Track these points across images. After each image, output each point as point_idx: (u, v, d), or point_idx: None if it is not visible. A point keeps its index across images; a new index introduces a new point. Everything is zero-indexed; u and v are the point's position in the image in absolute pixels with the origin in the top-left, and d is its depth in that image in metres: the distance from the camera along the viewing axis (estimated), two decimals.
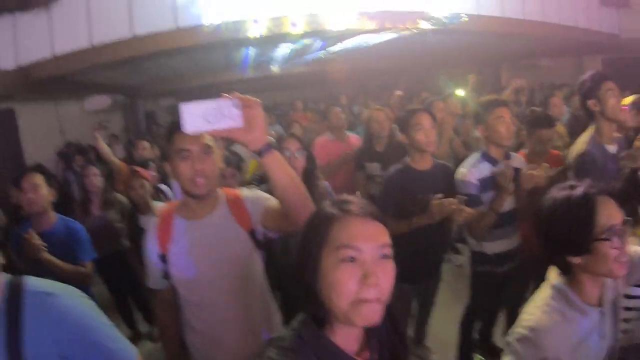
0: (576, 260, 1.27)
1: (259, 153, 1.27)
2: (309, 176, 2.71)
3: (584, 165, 2.42)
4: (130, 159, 4.67)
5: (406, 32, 6.58)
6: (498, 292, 2.77)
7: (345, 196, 1.01)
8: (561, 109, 4.28)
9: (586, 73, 2.57)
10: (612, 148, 2.53)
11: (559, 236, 1.29)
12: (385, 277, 0.90)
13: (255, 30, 5.07)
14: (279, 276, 2.60)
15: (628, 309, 1.48)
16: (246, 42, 5.73)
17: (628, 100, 3.12)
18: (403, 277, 0.99)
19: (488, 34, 7.14)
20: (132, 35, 4.81)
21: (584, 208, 1.24)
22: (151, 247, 1.70)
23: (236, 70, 9.50)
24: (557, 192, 1.33)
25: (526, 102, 4.91)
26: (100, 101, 8.73)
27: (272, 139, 1.40)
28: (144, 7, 4.83)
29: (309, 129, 5.68)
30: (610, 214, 1.24)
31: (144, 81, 9.29)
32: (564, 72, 9.17)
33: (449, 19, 6.31)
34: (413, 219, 2.40)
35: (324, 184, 2.89)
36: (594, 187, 1.27)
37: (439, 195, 2.31)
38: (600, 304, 1.33)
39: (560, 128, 3.93)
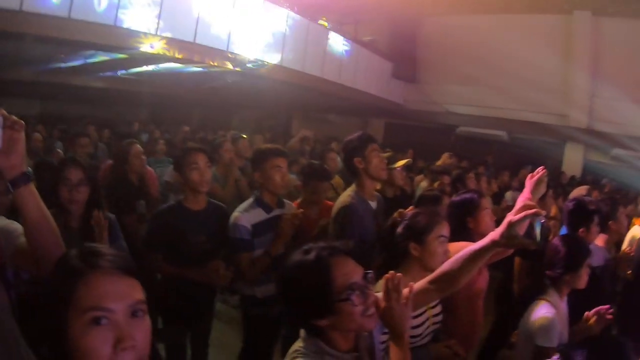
0: (322, 322, 1.25)
1: (13, 182, 1.16)
2: (91, 208, 2.20)
3: (346, 218, 2.56)
4: None
5: (211, 68, 6.62)
6: (272, 335, 2.75)
7: (95, 246, 0.93)
8: (337, 162, 4.64)
9: (355, 133, 2.76)
10: (373, 204, 2.76)
11: (299, 302, 1.28)
12: (141, 336, 0.85)
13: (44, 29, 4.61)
14: None
15: None
16: (40, 39, 5.20)
17: (401, 162, 3.43)
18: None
19: (287, 83, 7.64)
20: None
21: (318, 272, 1.23)
22: None
23: (27, 69, 8.50)
24: (293, 258, 1.31)
25: (309, 153, 5.28)
26: None
27: (29, 170, 1.25)
28: None
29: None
30: (347, 272, 1.24)
31: None
32: (350, 129, 10.32)
33: (252, 63, 6.55)
34: (187, 273, 2.37)
35: (110, 215, 2.38)
36: (327, 250, 1.27)
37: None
38: (355, 349, 1.32)
39: (338, 180, 4.25)
